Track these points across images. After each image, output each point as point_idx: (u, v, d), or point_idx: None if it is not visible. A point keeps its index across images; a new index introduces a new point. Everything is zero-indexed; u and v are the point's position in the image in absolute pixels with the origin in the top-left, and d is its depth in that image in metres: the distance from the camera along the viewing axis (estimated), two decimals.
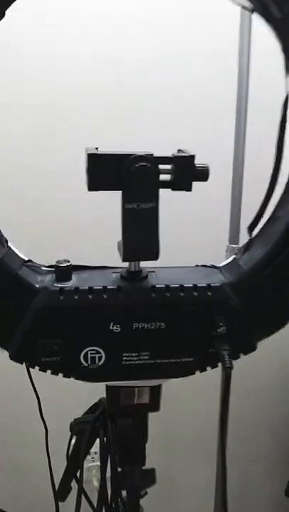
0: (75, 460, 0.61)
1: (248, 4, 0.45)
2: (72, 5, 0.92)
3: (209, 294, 0.50)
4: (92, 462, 1.12)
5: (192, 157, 0.48)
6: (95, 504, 0.62)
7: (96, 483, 1.12)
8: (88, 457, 0.65)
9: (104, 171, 0.46)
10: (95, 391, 0.59)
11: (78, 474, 0.61)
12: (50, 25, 0.92)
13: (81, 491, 0.57)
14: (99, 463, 1.14)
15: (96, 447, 0.63)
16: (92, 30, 0.93)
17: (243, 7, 0.46)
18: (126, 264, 0.53)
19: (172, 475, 1.35)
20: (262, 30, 0.46)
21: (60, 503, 0.68)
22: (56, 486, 0.66)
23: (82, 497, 0.60)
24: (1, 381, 1.14)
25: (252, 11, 0.46)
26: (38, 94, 0.97)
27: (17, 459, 1.26)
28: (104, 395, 0.58)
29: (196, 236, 1.07)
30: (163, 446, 1.29)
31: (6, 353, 0.51)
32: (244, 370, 1.21)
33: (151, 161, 0.45)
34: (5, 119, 0.96)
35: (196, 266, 0.56)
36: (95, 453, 1.24)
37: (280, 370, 1.30)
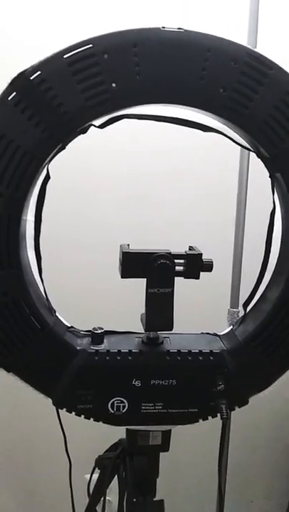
0: (99, 489, 0.73)
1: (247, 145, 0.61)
2: None
3: (211, 358, 0.64)
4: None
5: (200, 254, 0.63)
6: None
7: None
8: None
9: (134, 264, 0.61)
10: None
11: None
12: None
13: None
14: (110, 497, 1.25)
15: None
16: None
17: (243, 147, 0.61)
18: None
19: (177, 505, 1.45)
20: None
21: None
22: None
23: None
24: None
25: (250, 150, 0.61)
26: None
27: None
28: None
29: (203, 300, 1.23)
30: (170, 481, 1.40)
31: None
32: (244, 416, 1.33)
33: (169, 259, 0.61)
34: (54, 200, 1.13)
35: (202, 333, 0.70)
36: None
37: (276, 413, 1.41)
